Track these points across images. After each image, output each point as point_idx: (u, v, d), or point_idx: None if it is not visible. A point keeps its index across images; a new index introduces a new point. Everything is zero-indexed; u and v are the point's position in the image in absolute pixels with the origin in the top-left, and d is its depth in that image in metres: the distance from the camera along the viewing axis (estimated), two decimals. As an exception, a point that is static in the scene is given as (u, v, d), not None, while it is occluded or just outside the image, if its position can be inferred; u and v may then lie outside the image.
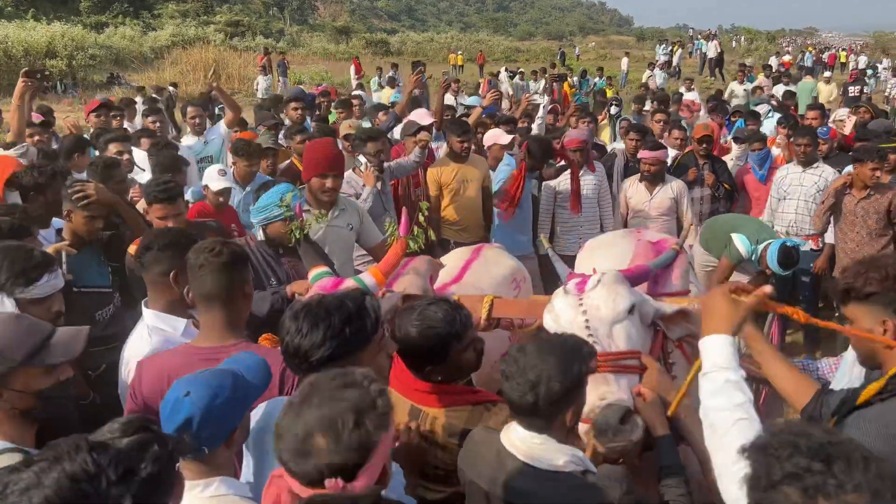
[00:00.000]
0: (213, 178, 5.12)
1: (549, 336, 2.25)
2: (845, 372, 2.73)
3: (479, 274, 4.08)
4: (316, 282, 3.16)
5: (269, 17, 50.19)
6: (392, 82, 18.49)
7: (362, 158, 5.43)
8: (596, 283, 2.63)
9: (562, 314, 2.61)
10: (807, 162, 6.18)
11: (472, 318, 2.68)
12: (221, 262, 2.60)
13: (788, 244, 4.73)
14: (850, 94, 13.71)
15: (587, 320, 2.54)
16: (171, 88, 17.36)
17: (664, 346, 2.71)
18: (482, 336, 2.74)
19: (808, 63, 28.72)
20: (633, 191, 6.25)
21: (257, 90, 20.27)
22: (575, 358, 2.09)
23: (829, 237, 6.01)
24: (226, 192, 5.14)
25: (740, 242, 4.87)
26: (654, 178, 6.12)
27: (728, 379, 1.91)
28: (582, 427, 2.34)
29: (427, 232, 3.56)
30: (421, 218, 3.58)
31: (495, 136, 6.54)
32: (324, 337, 2.08)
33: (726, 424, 1.84)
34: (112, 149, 5.59)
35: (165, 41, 32.80)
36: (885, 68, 22.68)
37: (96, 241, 3.87)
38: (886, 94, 18.57)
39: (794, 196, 6.17)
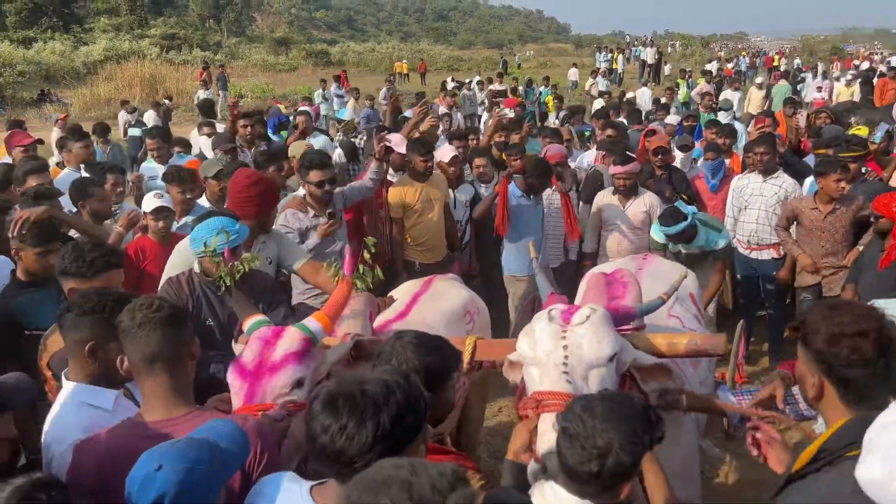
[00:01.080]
0: (149, 201, 4.67)
1: (617, 397, 2.05)
2: None
3: (426, 309, 3.91)
4: (253, 332, 2.85)
5: (206, 30, 49.25)
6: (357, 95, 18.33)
7: (301, 191, 5.09)
8: (584, 318, 2.48)
9: (541, 343, 2.46)
10: (766, 171, 6.19)
11: (459, 356, 2.54)
12: (163, 317, 2.27)
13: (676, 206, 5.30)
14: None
15: (566, 357, 2.40)
16: (166, 101, 16.84)
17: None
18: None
19: (743, 67, 29.48)
20: (606, 204, 6.18)
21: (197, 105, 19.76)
22: (647, 427, 1.94)
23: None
24: (164, 214, 4.65)
25: (654, 230, 5.50)
26: (628, 192, 6.07)
27: None
28: (532, 466, 2.24)
29: (374, 270, 3.37)
30: (367, 255, 3.37)
31: (440, 153, 6.39)
32: (374, 440, 1.74)
33: None
34: (31, 181, 5.08)
35: (98, 56, 31.81)
36: (823, 72, 23.27)
37: (53, 277, 3.57)
38: (805, 98, 18.95)
39: (755, 206, 6.17)
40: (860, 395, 1.92)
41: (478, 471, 2.36)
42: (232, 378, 2.71)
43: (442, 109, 13.03)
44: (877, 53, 41.01)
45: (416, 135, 6.72)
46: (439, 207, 5.91)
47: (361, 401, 1.78)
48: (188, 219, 4.99)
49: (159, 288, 3.80)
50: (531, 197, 5.87)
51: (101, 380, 2.51)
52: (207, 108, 11.22)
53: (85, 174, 6.04)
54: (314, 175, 4.91)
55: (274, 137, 7.62)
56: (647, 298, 2.85)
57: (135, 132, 10.17)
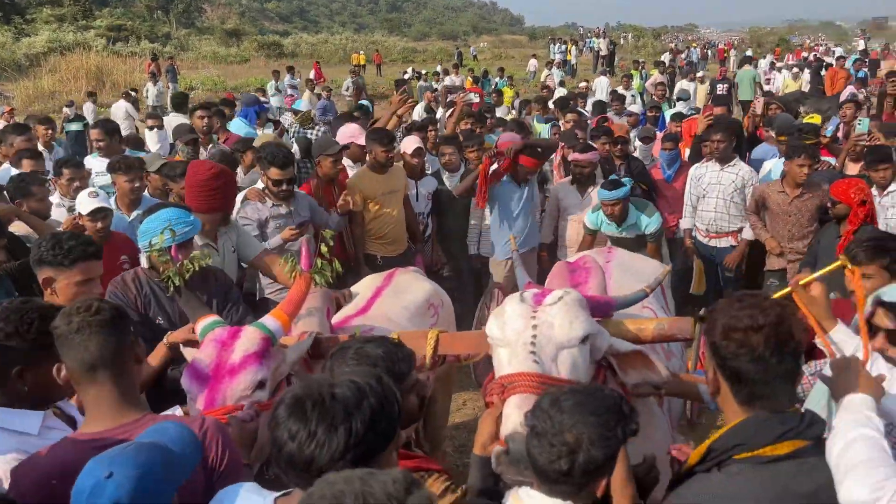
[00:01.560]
0: (83, 201, 4.31)
1: (587, 389, 1.95)
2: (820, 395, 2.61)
3: (388, 303, 3.83)
4: (208, 334, 2.73)
5: (154, 21, 48.02)
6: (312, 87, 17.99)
7: (260, 184, 4.99)
8: (557, 298, 2.41)
9: (510, 322, 2.38)
10: (723, 159, 6.22)
11: (414, 357, 2.43)
12: (102, 320, 2.10)
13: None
14: (718, 92, 14.11)
15: (534, 336, 2.31)
16: (132, 93, 16.29)
17: (605, 383, 2.47)
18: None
19: (694, 59, 29.86)
20: (565, 193, 6.18)
21: (147, 97, 19.24)
22: (619, 419, 1.85)
23: (748, 234, 6.09)
24: (101, 215, 4.29)
25: (587, 217, 5.84)
26: (586, 181, 6.08)
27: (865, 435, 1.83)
28: (496, 449, 2.15)
29: (333, 264, 3.28)
30: (324, 248, 3.28)
31: (404, 145, 6.29)
32: (345, 446, 1.62)
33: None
34: None
35: (41, 47, 30.71)
36: (773, 62, 23.61)
37: (3, 273, 3.37)
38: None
39: (713, 194, 6.19)
40: (752, 393, 1.84)
41: (444, 472, 2.28)
42: (188, 383, 2.59)
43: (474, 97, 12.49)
44: (822, 45, 41.99)
45: (395, 121, 6.73)
46: (400, 199, 5.82)
47: (331, 405, 1.66)
48: (139, 212, 4.77)
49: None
50: (520, 184, 5.83)
51: (25, 402, 2.29)
52: (180, 103, 10.34)
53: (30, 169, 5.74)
54: (274, 173, 4.84)
55: (246, 126, 7.37)
56: (619, 292, 2.78)
57: (73, 127, 9.48)
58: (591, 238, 5.89)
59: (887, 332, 2.40)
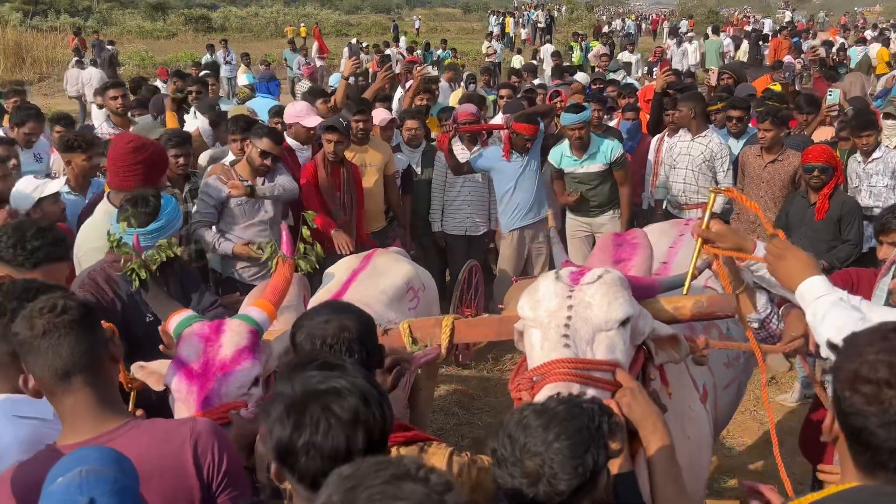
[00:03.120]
0: (34, 185, 4.01)
1: (559, 406, 1.69)
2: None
3: (365, 287, 3.62)
4: (184, 330, 2.47)
5: (73, -6, 45.79)
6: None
7: (228, 159, 4.81)
8: (596, 277, 2.19)
9: (544, 301, 2.16)
10: (694, 130, 6.15)
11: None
12: (72, 320, 1.85)
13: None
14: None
15: (569, 317, 2.09)
16: (109, 47, 15.32)
17: (646, 370, 2.30)
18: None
19: (632, 30, 30.10)
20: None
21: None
22: (591, 442, 1.61)
23: (717, 208, 6.05)
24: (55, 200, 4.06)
25: (551, 155, 5.97)
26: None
27: (833, 301, 2.03)
28: None
29: (316, 247, 3.06)
30: (306, 232, 3.06)
31: (375, 117, 6.01)
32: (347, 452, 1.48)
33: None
34: None
35: (-49, 23, 29.06)
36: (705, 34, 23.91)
37: None
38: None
39: (683, 165, 6.15)
40: (877, 461, 1.43)
41: (440, 441, 2.15)
42: (176, 382, 2.34)
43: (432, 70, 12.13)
44: (749, 17, 42.91)
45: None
46: (377, 173, 5.57)
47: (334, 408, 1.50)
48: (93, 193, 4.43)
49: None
50: (521, 154, 5.71)
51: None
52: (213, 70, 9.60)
53: None
54: (265, 143, 4.61)
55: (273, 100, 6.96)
56: (683, 269, 2.57)
57: None
58: (560, 180, 5.97)
59: None
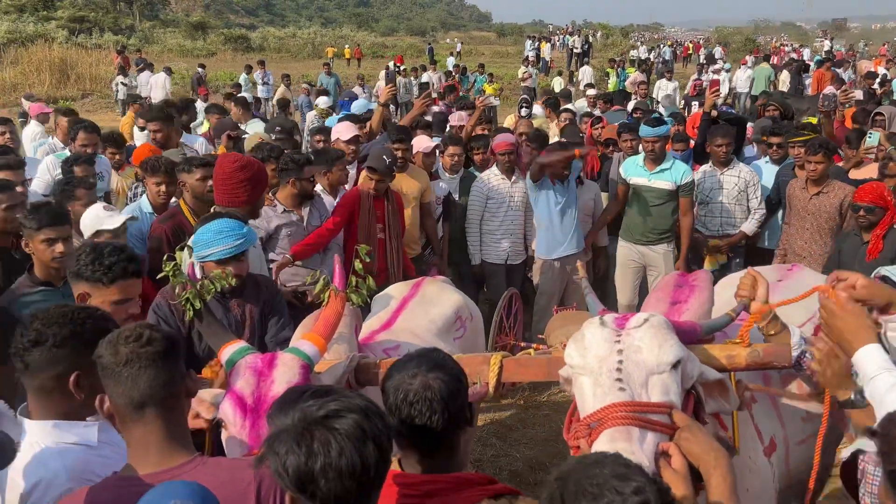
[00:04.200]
0: (102, 215, 3.99)
1: (588, 464, 1.51)
2: None
3: (414, 316, 3.61)
4: (238, 362, 2.46)
5: (117, 13, 46.89)
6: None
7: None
8: (642, 321, 2.17)
9: (592, 347, 2.13)
10: (724, 163, 6.11)
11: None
12: (155, 352, 1.87)
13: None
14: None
15: (620, 361, 2.06)
16: (199, 70, 15.77)
17: (699, 415, 2.23)
18: None
19: (668, 57, 30.01)
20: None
21: (117, 92, 18.69)
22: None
23: (747, 226, 6.05)
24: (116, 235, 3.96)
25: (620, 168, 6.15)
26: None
27: (890, 384, 1.89)
28: None
29: (367, 280, 3.06)
30: (359, 265, 3.05)
31: (418, 144, 6.03)
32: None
33: None
34: None
35: (1, 39, 29.83)
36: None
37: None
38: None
39: (717, 199, 6.10)
40: None
41: (522, 493, 2.04)
42: (231, 412, 2.34)
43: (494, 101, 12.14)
44: (787, 45, 42.60)
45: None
46: (413, 202, 5.56)
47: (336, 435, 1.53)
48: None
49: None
50: (558, 183, 5.75)
51: (82, 411, 2.12)
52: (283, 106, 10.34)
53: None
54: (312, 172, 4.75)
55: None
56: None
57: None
58: (625, 189, 6.06)
59: None
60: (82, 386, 2.07)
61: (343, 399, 1.60)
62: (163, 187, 4.69)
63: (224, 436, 2.40)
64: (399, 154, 5.46)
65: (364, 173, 5.15)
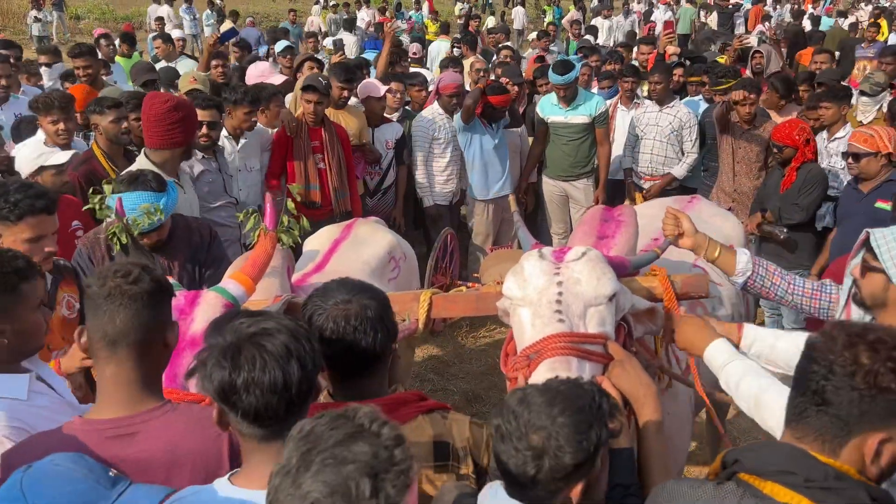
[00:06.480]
0: (38, 152, 3.85)
1: (561, 385, 1.72)
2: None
3: (347, 257, 3.63)
4: None
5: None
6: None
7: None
8: (580, 254, 2.23)
9: (532, 279, 2.18)
10: (661, 100, 6.22)
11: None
12: (139, 292, 1.84)
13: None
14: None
15: (560, 293, 2.12)
16: None
17: (627, 344, 2.33)
18: None
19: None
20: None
21: (30, 27, 17.71)
22: (594, 419, 1.65)
23: (677, 171, 6.14)
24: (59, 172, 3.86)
25: (540, 105, 6.27)
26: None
27: (742, 365, 2.13)
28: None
29: (301, 221, 3.08)
30: (291, 205, 3.07)
31: (368, 89, 5.84)
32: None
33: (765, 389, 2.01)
34: None
35: None
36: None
37: None
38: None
39: (650, 136, 6.18)
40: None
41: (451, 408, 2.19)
42: None
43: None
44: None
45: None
46: (353, 142, 5.46)
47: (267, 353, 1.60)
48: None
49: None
50: (492, 125, 5.83)
51: (4, 360, 2.06)
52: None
53: None
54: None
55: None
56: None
57: None
58: (544, 129, 6.20)
59: None
60: (4, 332, 2.02)
61: (274, 320, 1.65)
62: (60, 125, 4.32)
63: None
64: (345, 94, 5.42)
65: (302, 100, 5.08)
